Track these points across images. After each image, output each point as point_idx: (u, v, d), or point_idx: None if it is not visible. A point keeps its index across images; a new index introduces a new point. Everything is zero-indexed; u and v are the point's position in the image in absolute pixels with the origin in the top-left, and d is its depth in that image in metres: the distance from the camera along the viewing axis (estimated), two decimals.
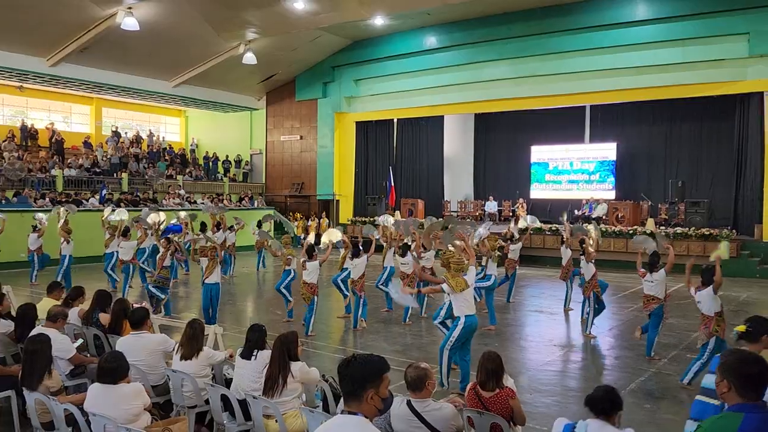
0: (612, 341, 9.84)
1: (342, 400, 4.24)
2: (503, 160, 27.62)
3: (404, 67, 23.28)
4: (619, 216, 19.74)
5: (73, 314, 6.96)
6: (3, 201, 18.36)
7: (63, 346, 5.74)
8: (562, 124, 24.93)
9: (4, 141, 22.88)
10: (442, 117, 26.71)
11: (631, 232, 18.59)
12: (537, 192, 26.00)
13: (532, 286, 15.42)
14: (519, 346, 9.57)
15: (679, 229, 18.02)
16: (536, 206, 24.96)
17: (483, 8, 20.07)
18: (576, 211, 22.14)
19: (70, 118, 27.67)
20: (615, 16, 18.94)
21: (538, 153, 26.13)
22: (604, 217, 20.51)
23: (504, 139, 27.39)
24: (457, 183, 28.38)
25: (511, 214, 24.38)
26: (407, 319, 10.77)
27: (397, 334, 10.16)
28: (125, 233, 13.32)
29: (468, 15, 20.95)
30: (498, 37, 20.80)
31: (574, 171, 25.20)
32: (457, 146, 28.59)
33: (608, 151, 24.33)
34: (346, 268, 10.86)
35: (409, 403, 3.91)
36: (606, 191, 23.95)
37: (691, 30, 17.86)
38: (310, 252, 9.93)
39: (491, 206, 24.43)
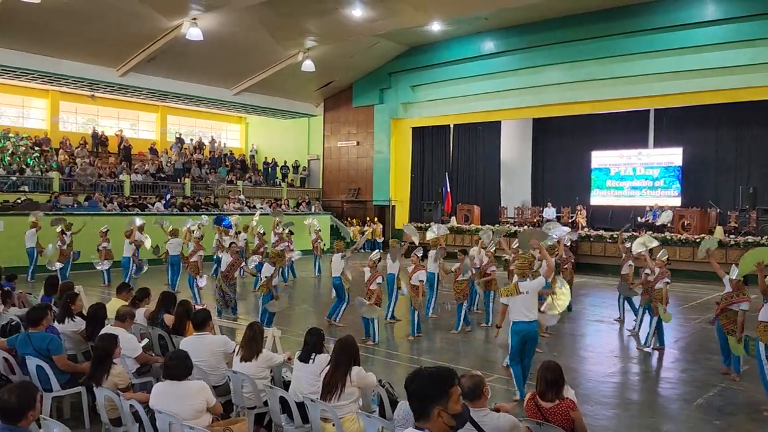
0: (677, 353, 9.46)
1: (399, 405, 4.26)
2: (562, 166, 27.00)
3: (461, 73, 23.15)
4: (685, 223, 19.02)
5: (140, 315, 7.21)
6: (75, 204, 19.27)
7: (130, 345, 5.95)
8: (625, 128, 24.22)
9: (77, 147, 24.06)
10: (499, 122, 26.40)
11: (697, 240, 17.90)
12: (597, 198, 25.35)
13: (592, 295, 15.02)
14: (579, 356, 9.32)
15: (750, 238, 17.21)
16: (597, 213, 24.35)
17: (542, 12, 19.75)
18: (639, 218, 21.45)
19: (138, 125, 28.82)
20: (681, 17, 18.28)
21: (599, 158, 25.49)
22: (669, 225, 19.83)
23: (563, 144, 26.81)
24: (515, 189, 27.96)
25: (570, 221, 23.87)
26: (459, 327, 10.66)
27: (450, 341, 10.09)
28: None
29: (526, 19, 20.68)
30: (557, 41, 20.42)
31: (637, 177, 24.43)
32: (515, 151, 28.20)
33: (674, 156, 23.47)
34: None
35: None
36: (671, 198, 23.10)
37: (762, 30, 17.03)
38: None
39: (549, 213, 23.91)
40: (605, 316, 12.29)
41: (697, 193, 22.55)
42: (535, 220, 24.22)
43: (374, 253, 10.33)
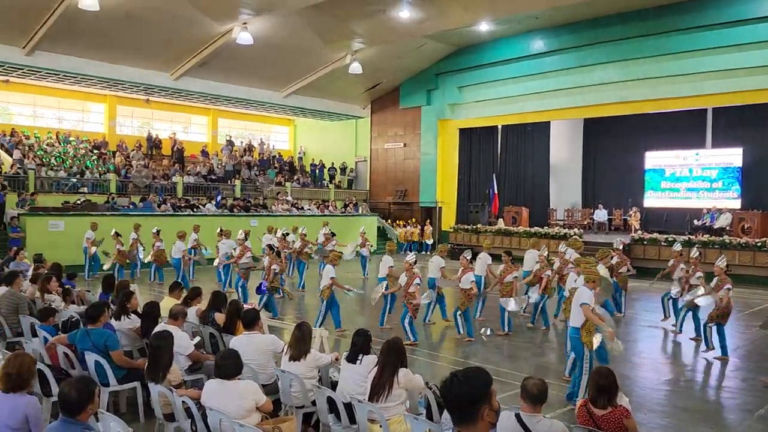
0: (737, 362, 9.08)
1: (446, 411, 4.21)
2: (614, 167, 26.26)
3: (509, 73, 22.87)
4: (745, 227, 18.28)
5: (191, 313, 7.36)
6: (131, 205, 19.89)
7: (183, 342, 6.08)
8: (681, 128, 23.41)
9: (132, 150, 24.85)
10: (549, 122, 25.92)
11: (759, 244, 17.17)
12: (651, 200, 24.64)
13: (644, 300, 14.58)
14: (632, 362, 9.05)
15: None
16: (651, 215, 23.66)
17: (594, 9, 19.31)
18: (696, 221, 20.72)
19: (190, 128, 29.57)
20: (739, 12, 17.57)
21: (654, 159, 24.77)
22: (728, 228, 19.08)
23: (615, 144, 26.07)
24: (564, 190, 27.42)
25: (622, 223, 23.28)
26: (505, 329, 10.51)
27: (497, 344, 9.95)
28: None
29: (577, 17, 20.27)
30: (609, 39, 19.94)
31: (694, 178, 23.62)
32: (565, 152, 27.65)
33: (733, 156, 22.58)
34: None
35: (518, 417, 3.79)
36: (730, 200, 22.23)
37: None
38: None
39: (601, 215, 23.33)
40: (659, 322, 11.90)
41: (758, 194, 21.60)
42: (585, 223, 23.72)
43: (410, 255, 10.28)
